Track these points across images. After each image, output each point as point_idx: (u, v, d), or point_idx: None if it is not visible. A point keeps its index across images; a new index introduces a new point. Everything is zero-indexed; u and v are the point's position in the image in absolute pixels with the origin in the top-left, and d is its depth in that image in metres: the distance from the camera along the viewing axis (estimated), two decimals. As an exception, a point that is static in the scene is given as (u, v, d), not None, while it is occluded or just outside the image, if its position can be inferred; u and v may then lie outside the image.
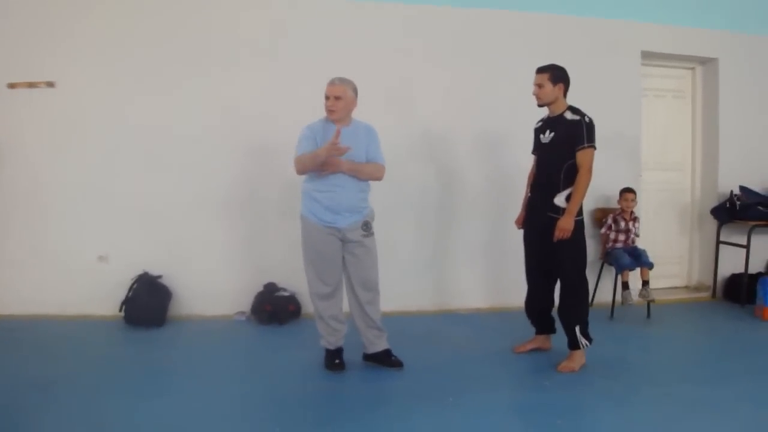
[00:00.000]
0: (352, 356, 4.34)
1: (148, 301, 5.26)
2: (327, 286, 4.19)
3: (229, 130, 5.53)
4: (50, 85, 5.40)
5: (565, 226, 4.13)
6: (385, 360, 4.32)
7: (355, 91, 4.17)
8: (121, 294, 5.29)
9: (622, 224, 5.74)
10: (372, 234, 4.25)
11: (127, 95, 5.44)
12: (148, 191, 5.48)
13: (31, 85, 5.38)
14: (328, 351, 4.30)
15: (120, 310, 5.26)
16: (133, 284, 5.34)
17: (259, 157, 5.56)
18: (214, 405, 3.66)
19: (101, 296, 5.39)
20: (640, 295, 5.65)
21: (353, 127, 4.18)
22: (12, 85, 5.37)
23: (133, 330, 5.15)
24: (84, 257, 5.45)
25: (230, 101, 5.51)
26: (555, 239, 4.16)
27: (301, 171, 4.12)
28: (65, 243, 5.45)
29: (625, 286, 5.66)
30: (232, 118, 5.53)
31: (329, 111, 4.11)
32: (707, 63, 6.59)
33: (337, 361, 4.26)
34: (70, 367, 4.22)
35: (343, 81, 4.12)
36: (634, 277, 5.73)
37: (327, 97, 4.11)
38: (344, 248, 4.18)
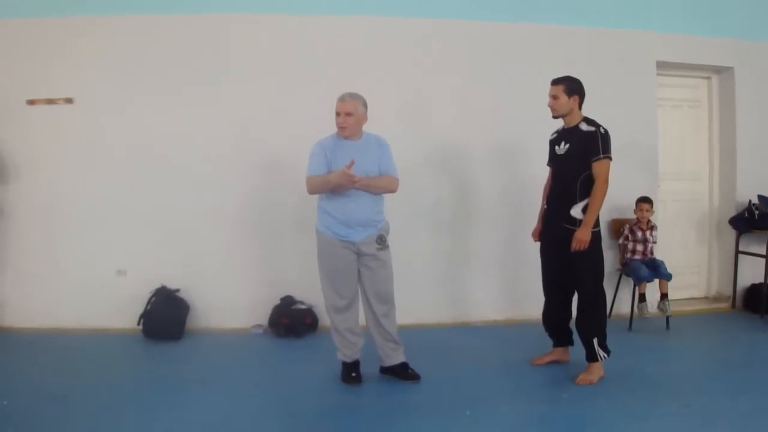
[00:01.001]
0: (368, 369, 4.34)
1: (166, 315, 5.28)
2: (343, 299, 4.19)
3: (245, 145, 5.57)
4: (69, 101, 5.46)
5: (582, 237, 4.11)
6: (401, 373, 4.31)
7: (365, 105, 4.18)
8: (140, 307, 5.32)
9: (639, 234, 5.70)
10: (387, 247, 4.25)
11: (144, 111, 5.49)
12: (165, 206, 5.52)
13: (50, 101, 5.45)
14: (344, 364, 4.29)
15: (138, 324, 5.29)
16: (151, 298, 5.37)
17: (275, 172, 5.58)
18: (231, 418, 3.67)
19: (119, 310, 5.42)
20: (658, 307, 5.62)
21: (364, 141, 4.20)
22: (31, 102, 5.45)
23: (151, 343, 5.18)
24: (102, 271, 5.49)
25: (246, 117, 5.55)
26: (572, 250, 4.15)
27: (312, 191, 4.14)
28: (84, 257, 5.50)
29: (642, 298, 5.63)
30: (248, 133, 5.56)
31: (341, 128, 4.11)
32: (723, 72, 6.55)
33: (353, 374, 4.26)
34: (89, 380, 4.24)
35: (353, 96, 4.13)
36: (653, 289, 5.68)
37: (338, 114, 4.10)
38: (359, 261, 4.19)
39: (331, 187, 4.01)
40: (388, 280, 4.27)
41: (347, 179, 3.88)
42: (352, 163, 3.86)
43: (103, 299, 5.45)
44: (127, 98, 5.48)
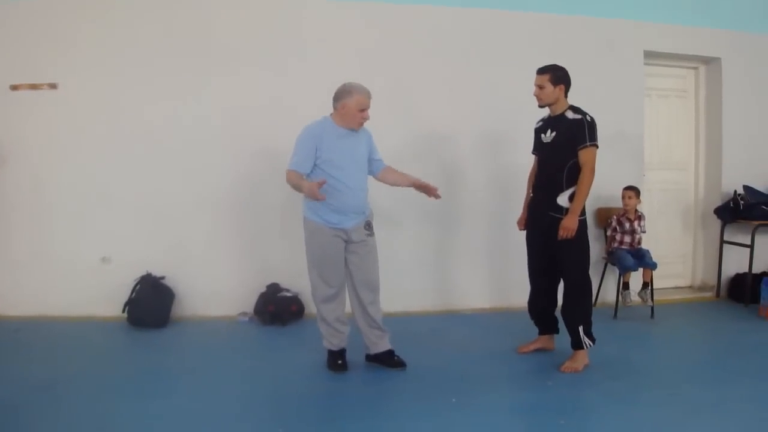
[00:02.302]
0: (354, 357, 4.34)
1: (151, 302, 5.26)
2: (331, 288, 4.18)
3: (232, 131, 5.53)
4: (53, 86, 5.41)
5: (569, 225, 4.12)
6: (387, 360, 4.31)
7: None
8: (125, 295, 5.29)
9: (627, 225, 5.71)
10: (373, 234, 4.27)
11: (129, 97, 5.44)
12: (150, 192, 5.49)
13: (34, 86, 5.39)
14: (330, 352, 4.29)
15: (123, 311, 5.26)
16: (136, 285, 5.34)
17: (262, 158, 5.55)
18: (217, 405, 3.66)
19: (104, 297, 5.39)
20: (639, 295, 5.67)
21: (360, 132, 4.20)
22: (14, 87, 5.38)
23: (136, 331, 5.16)
24: (87, 258, 5.46)
25: (233, 102, 5.51)
26: (559, 239, 4.15)
27: (289, 183, 4.09)
28: (68, 244, 5.46)
29: (626, 286, 5.67)
30: (235, 119, 5.53)
31: (362, 123, 4.14)
32: (710, 62, 6.58)
33: (339, 361, 4.26)
34: (74, 368, 4.22)
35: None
36: (638, 277, 5.71)
37: (363, 110, 4.09)
38: (347, 249, 4.18)
39: (300, 192, 4.03)
40: (375, 266, 4.29)
41: (312, 196, 3.87)
42: (324, 182, 3.88)
43: (88, 286, 5.42)
44: (112, 84, 5.43)
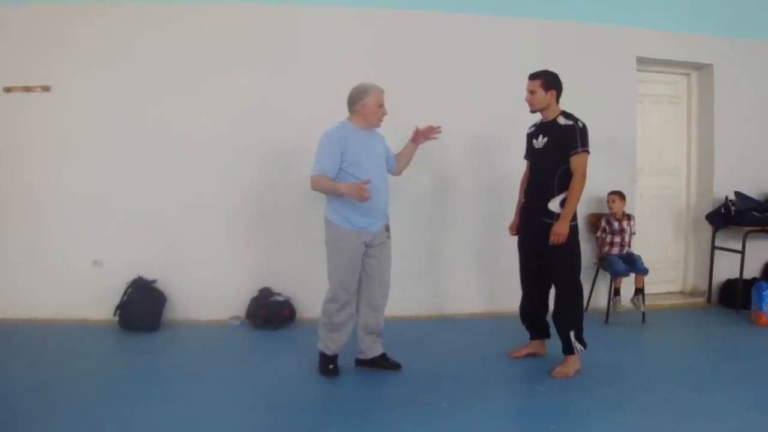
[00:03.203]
0: (343, 361, 4.33)
1: (142, 306, 5.25)
2: (348, 294, 4.16)
3: (225, 135, 5.53)
4: (46, 89, 5.40)
5: (560, 231, 4.13)
6: (383, 363, 4.34)
7: None
8: (116, 298, 5.28)
9: (616, 225, 5.73)
10: (390, 236, 4.34)
11: (122, 100, 5.44)
12: (142, 196, 5.48)
13: (27, 89, 5.38)
14: (324, 356, 4.26)
15: (114, 315, 5.25)
16: (127, 289, 5.32)
17: (255, 162, 5.56)
18: (208, 410, 3.65)
19: (96, 300, 5.37)
20: (631, 302, 5.70)
21: (373, 132, 4.24)
22: (8, 89, 5.38)
23: (127, 334, 5.14)
24: (79, 261, 5.45)
25: (226, 107, 5.51)
26: (550, 244, 4.16)
27: (316, 190, 4.09)
28: (60, 247, 5.45)
29: (617, 292, 5.69)
30: (228, 123, 5.52)
31: (382, 119, 4.21)
32: (702, 69, 6.61)
33: (331, 366, 4.25)
34: (65, 371, 4.21)
35: None
36: (629, 282, 5.73)
37: (381, 106, 4.16)
38: (366, 253, 4.18)
39: (338, 195, 4.02)
40: (389, 270, 4.34)
41: (359, 196, 3.89)
42: (369, 181, 3.91)
43: (80, 290, 5.41)
44: (105, 86, 5.42)
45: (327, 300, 4.18)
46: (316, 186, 4.04)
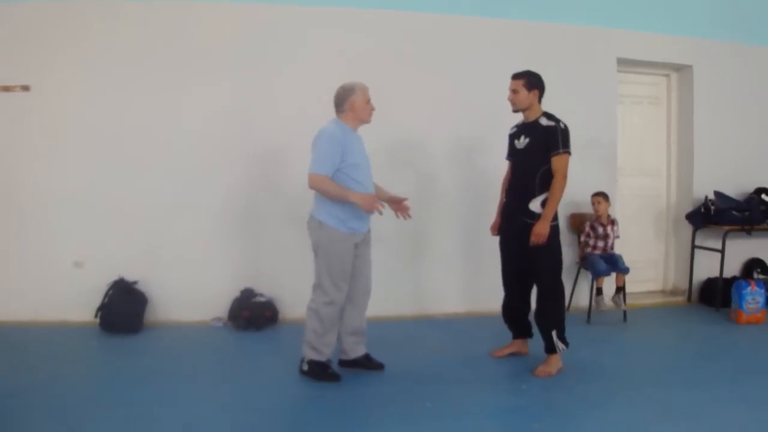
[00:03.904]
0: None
1: (123, 308, 5.21)
2: (343, 296, 4.13)
3: (207, 135, 5.50)
4: (25, 88, 5.34)
5: (540, 231, 4.15)
6: (367, 363, 4.33)
7: None
8: (97, 300, 5.23)
9: (600, 230, 5.77)
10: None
11: (103, 100, 5.40)
12: (123, 196, 5.44)
13: (6, 88, 5.33)
14: (321, 363, 4.16)
15: (95, 317, 5.21)
16: (108, 290, 5.28)
17: (238, 163, 5.54)
18: (189, 412, 3.63)
19: (77, 302, 5.31)
20: (612, 300, 5.74)
21: (358, 132, 4.23)
22: (-13, 89, 5.32)
23: (108, 336, 5.10)
24: (59, 262, 5.39)
25: (208, 107, 5.48)
26: (531, 244, 4.18)
27: (317, 190, 4.02)
28: (40, 248, 5.39)
29: (599, 291, 5.72)
30: (210, 124, 5.50)
31: (371, 116, 4.21)
32: (682, 70, 6.67)
33: (330, 370, 4.18)
34: (45, 374, 4.16)
35: None
36: (610, 281, 5.77)
37: (368, 101, 4.17)
38: (353, 254, 4.15)
39: (343, 201, 3.97)
40: (371, 267, 4.36)
41: (371, 208, 3.93)
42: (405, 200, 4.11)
43: (60, 291, 5.35)
44: (85, 86, 5.38)
45: (322, 304, 4.07)
46: (320, 186, 3.96)
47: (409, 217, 4.41)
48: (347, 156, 4.00)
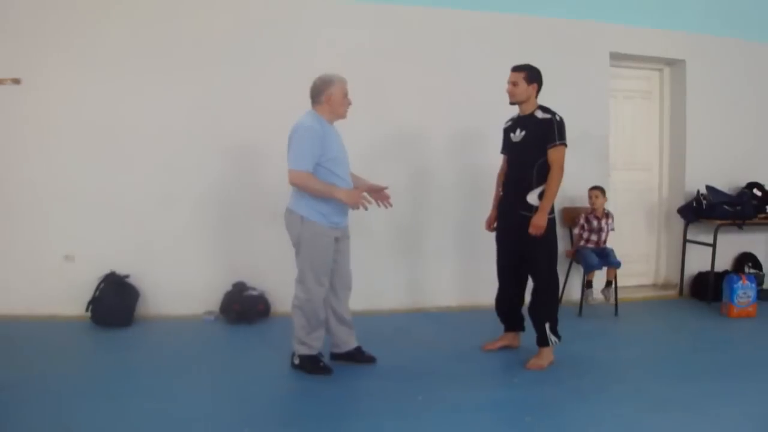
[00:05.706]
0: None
1: (115, 301, 5.19)
2: (325, 289, 4.11)
3: (198, 129, 5.47)
4: (16, 81, 5.30)
5: (538, 223, 4.16)
6: (358, 356, 4.32)
7: None
8: (88, 294, 5.22)
9: (595, 223, 5.78)
10: None
11: (94, 93, 5.35)
12: (115, 190, 5.41)
13: (-4, 81, 5.30)
14: (312, 357, 4.16)
15: (87, 310, 5.19)
16: (99, 284, 5.26)
17: (228, 156, 5.52)
18: (181, 405, 3.62)
19: (67, 296, 5.30)
20: (602, 293, 5.79)
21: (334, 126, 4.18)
22: (-23, 82, 5.29)
23: (100, 330, 5.08)
24: (50, 256, 5.36)
25: (200, 101, 5.45)
26: (530, 235, 4.18)
27: (299, 186, 3.96)
28: (31, 242, 5.36)
29: (589, 284, 5.76)
30: (201, 117, 5.47)
31: (347, 111, 4.15)
32: (675, 64, 6.68)
33: (321, 363, 4.18)
34: (35, 368, 4.14)
35: None
36: (602, 276, 5.78)
37: (346, 95, 4.10)
38: (334, 248, 4.13)
39: (328, 197, 3.94)
40: (350, 262, 4.33)
41: (356, 204, 3.91)
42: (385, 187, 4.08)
43: (51, 285, 5.33)
44: (76, 79, 5.34)
45: (305, 300, 4.06)
46: (303, 183, 3.91)
47: (390, 205, 4.35)
48: (327, 150, 3.95)
